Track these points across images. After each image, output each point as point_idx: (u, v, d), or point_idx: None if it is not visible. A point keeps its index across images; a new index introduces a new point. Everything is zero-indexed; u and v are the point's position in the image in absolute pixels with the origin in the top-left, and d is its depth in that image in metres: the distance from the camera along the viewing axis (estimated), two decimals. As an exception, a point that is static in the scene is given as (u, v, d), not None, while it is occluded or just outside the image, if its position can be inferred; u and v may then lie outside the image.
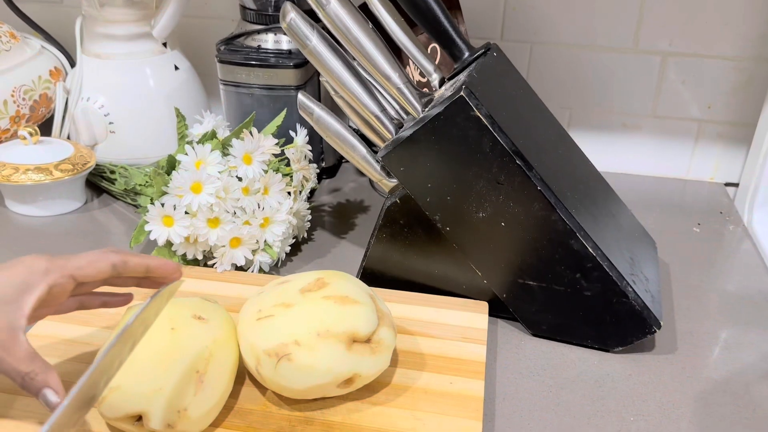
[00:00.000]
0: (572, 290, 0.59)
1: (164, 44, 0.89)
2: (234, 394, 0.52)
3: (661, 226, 0.82)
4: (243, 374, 0.54)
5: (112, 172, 0.86)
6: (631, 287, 0.57)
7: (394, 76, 0.57)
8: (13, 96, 0.84)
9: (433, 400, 0.52)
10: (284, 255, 0.71)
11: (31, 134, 0.80)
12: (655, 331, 0.58)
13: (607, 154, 0.96)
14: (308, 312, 0.48)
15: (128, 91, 0.87)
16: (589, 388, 0.57)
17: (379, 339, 0.50)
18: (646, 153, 0.95)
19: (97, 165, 0.87)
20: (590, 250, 0.57)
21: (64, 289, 0.45)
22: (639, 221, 0.74)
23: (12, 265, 0.45)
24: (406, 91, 0.58)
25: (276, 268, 0.71)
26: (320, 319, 0.48)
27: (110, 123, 0.87)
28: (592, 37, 0.90)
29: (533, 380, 0.57)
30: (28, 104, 0.86)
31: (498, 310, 0.64)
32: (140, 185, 0.78)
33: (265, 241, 0.69)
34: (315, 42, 0.57)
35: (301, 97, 0.61)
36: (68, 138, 0.90)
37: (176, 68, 0.90)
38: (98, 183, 0.87)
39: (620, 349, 0.60)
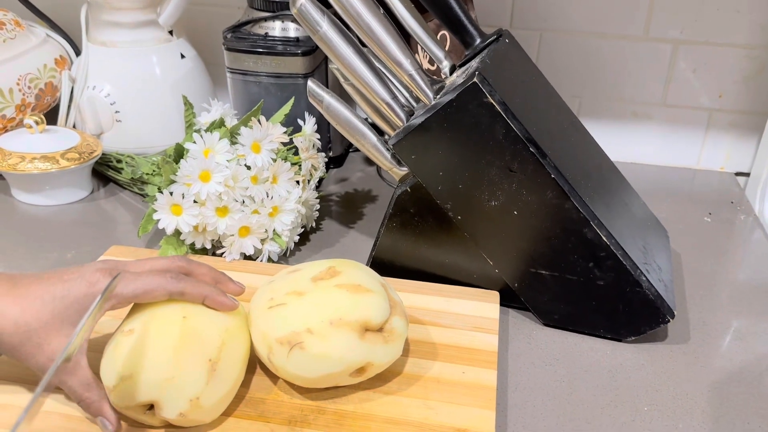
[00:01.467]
0: (585, 279, 0.58)
1: (170, 32, 0.88)
2: (245, 383, 0.52)
3: (672, 216, 0.81)
4: (254, 363, 0.54)
5: (119, 161, 0.85)
6: (644, 276, 0.57)
7: (406, 63, 0.57)
8: (18, 84, 0.84)
9: (445, 390, 0.52)
10: (293, 244, 0.71)
11: (37, 123, 0.79)
12: (668, 321, 0.58)
13: (617, 143, 0.95)
14: (321, 300, 0.48)
15: (134, 79, 0.87)
16: (602, 378, 0.56)
17: (391, 328, 0.49)
18: (656, 142, 0.94)
19: (103, 154, 0.86)
20: (604, 239, 0.56)
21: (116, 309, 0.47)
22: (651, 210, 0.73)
23: (72, 277, 0.45)
24: (417, 78, 0.57)
25: (284, 257, 0.71)
26: (333, 307, 0.47)
27: (116, 112, 0.86)
28: (603, 24, 0.89)
29: (545, 370, 0.57)
30: (34, 93, 0.86)
31: (509, 299, 0.63)
32: (147, 174, 0.77)
33: (274, 230, 0.68)
34: (325, 28, 0.56)
35: (311, 84, 0.61)
36: (74, 127, 0.89)
37: (182, 56, 0.90)
38: (105, 172, 0.87)
39: (633, 339, 0.60)
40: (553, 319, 0.62)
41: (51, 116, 0.90)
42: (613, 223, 0.58)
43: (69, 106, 0.88)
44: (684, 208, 0.84)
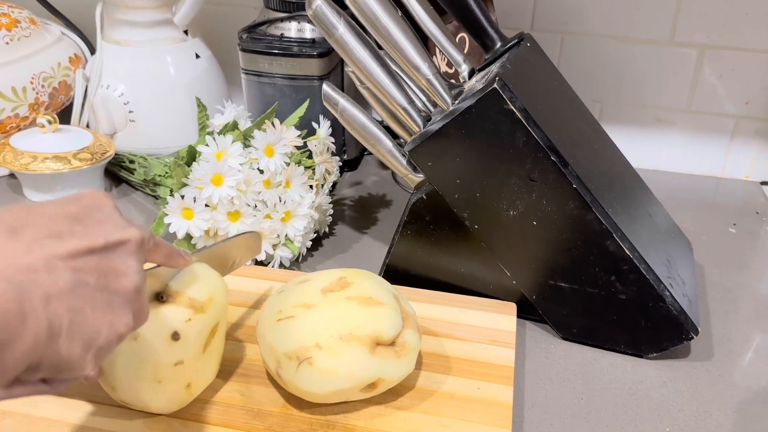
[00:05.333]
0: (606, 293, 0.56)
1: (185, 32, 0.87)
2: (253, 395, 0.50)
3: (695, 226, 0.78)
4: (263, 374, 0.52)
5: (132, 161, 0.85)
6: (668, 291, 0.55)
7: (424, 67, 0.55)
8: (32, 83, 0.83)
9: (459, 406, 0.50)
10: (305, 250, 0.69)
11: (49, 122, 0.79)
12: (692, 337, 0.56)
13: (639, 150, 0.92)
14: (330, 314, 0.46)
15: (148, 79, 0.86)
16: (621, 395, 0.54)
17: (403, 342, 0.48)
18: (679, 149, 0.92)
19: (116, 154, 0.85)
20: (627, 251, 0.54)
21: None
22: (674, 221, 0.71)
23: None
24: (435, 82, 0.55)
25: (297, 263, 0.70)
26: (343, 321, 0.46)
27: (130, 111, 0.85)
28: (626, 28, 0.86)
29: (563, 386, 0.55)
30: (47, 91, 0.85)
31: (526, 311, 0.61)
32: (160, 176, 0.76)
33: (286, 235, 0.67)
34: (342, 30, 0.54)
35: (326, 87, 0.59)
36: (87, 126, 0.89)
37: (197, 56, 0.89)
38: (117, 172, 0.86)
39: (654, 355, 0.58)
40: (572, 333, 0.60)
41: (65, 115, 0.89)
42: (636, 235, 0.56)
43: (83, 106, 0.88)
44: (707, 219, 0.81)
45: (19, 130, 0.83)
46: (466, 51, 0.78)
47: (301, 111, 0.74)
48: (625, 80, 0.89)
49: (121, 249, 0.34)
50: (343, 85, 0.84)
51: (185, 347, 0.44)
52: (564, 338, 0.60)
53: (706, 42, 0.85)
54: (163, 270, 0.45)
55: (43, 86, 0.84)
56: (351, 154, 0.88)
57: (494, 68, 0.57)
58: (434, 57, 0.79)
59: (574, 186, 0.53)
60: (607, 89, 0.90)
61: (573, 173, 0.53)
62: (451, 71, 0.80)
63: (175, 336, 0.44)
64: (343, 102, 0.59)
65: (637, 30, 0.86)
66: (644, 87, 0.89)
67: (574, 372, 0.57)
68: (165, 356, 0.44)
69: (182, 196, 0.63)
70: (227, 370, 0.53)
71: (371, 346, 0.46)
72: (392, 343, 0.48)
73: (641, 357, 0.58)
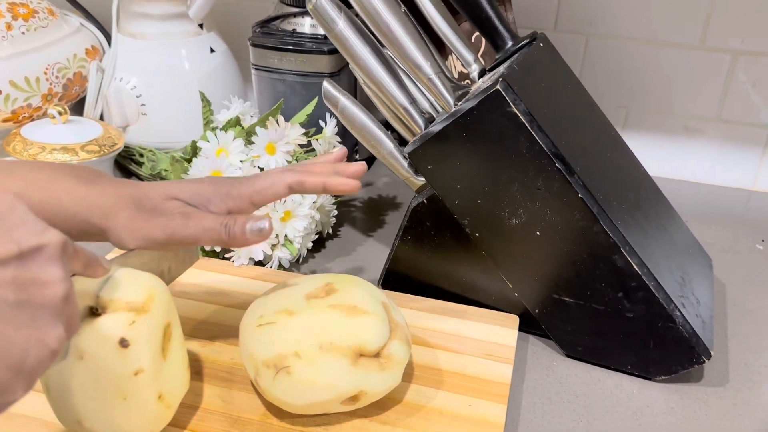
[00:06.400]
0: (613, 310, 0.53)
1: (200, 25, 0.86)
2: (234, 401, 0.49)
3: (720, 242, 0.74)
4: (246, 380, 0.50)
5: (141, 155, 0.84)
6: (679, 311, 0.51)
7: (425, 66, 0.52)
8: (46, 74, 0.83)
9: (447, 423, 0.47)
10: (305, 251, 0.68)
11: (60, 113, 0.78)
12: (703, 362, 0.52)
13: (665, 158, 0.88)
14: (312, 321, 0.44)
15: (161, 72, 0.85)
16: (625, 419, 0.51)
17: (389, 354, 0.45)
18: (708, 160, 0.87)
19: (127, 147, 0.85)
20: (635, 267, 0.51)
21: (241, 213, 0.46)
22: (694, 235, 0.67)
23: (203, 179, 0.47)
24: (437, 81, 0.53)
25: (296, 264, 0.68)
26: (324, 330, 0.44)
27: (142, 105, 0.85)
28: (655, 30, 0.82)
29: (563, 407, 0.52)
30: (62, 82, 0.85)
31: (529, 325, 0.58)
32: (165, 170, 0.75)
33: (285, 236, 0.65)
34: (342, 26, 0.52)
35: (327, 85, 0.57)
36: (101, 119, 0.88)
37: (212, 51, 0.87)
38: (128, 166, 0.85)
39: (663, 378, 0.54)
40: (576, 351, 0.56)
41: (80, 107, 0.89)
42: (647, 250, 0.53)
43: (97, 97, 0.87)
44: (734, 234, 0.77)
45: (32, 120, 0.83)
46: (482, 51, 0.75)
47: (309, 108, 0.72)
48: (652, 86, 0.85)
49: (39, 256, 0.30)
50: (356, 84, 0.82)
51: (139, 353, 0.41)
52: (568, 356, 0.57)
53: (740, 47, 0.80)
54: (88, 282, 0.42)
55: (57, 77, 0.84)
56: (363, 155, 0.86)
57: (501, 69, 0.54)
58: (450, 57, 0.76)
59: (580, 195, 0.50)
60: (633, 95, 0.86)
61: (579, 182, 0.50)
62: (467, 72, 0.77)
63: (123, 342, 0.40)
64: (344, 100, 0.57)
65: (666, 33, 0.82)
66: (672, 93, 0.85)
67: (575, 392, 0.54)
68: (120, 367, 0.40)
69: (179, 193, 0.62)
70: (210, 373, 0.51)
71: (353, 357, 0.44)
72: (377, 355, 0.45)
73: (649, 379, 0.55)
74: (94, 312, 0.41)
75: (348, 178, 0.49)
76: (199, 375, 0.51)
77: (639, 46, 0.84)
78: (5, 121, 0.81)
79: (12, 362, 0.29)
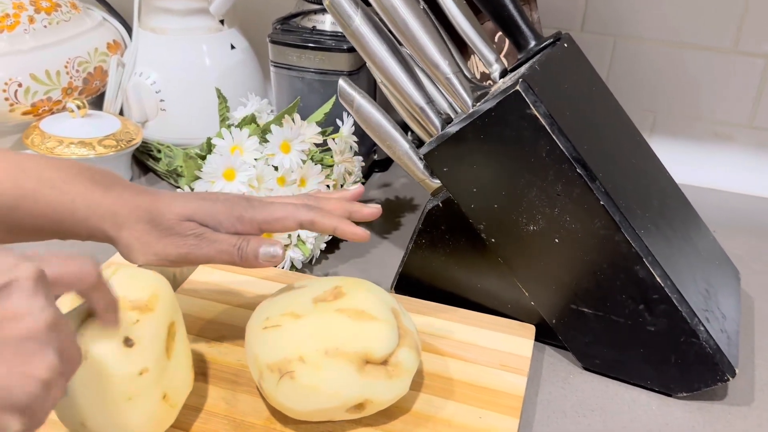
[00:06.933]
0: (633, 323, 0.51)
1: (221, 21, 0.86)
2: (239, 404, 0.48)
3: (749, 253, 0.71)
4: (252, 383, 0.49)
5: (159, 150, 0.83)
6: (702, 325, 0.49)
7: (443, 64, 0.51)
8: (66, 67, 0.83)
9: (456, 435, 0.46)
10: (318, 252, 0.66)
11: (78, 107, 0.78)
12: (727, 379, 0.50)
13: (693, 165, 0.85)
14: (318, 326, 0.43)
15: (181, 68, 0.84)
16: (643, 437, 0.49)
17: (397, 361, 0.44)
18: (738, 167, 0.84)
19: (145, 143, 0.84)
20: (658, 279, 0.49)
21: (249, 233, 0.47)
22: (721, 246, 0.64)
23: (217, 198, 0.48)
24: (455, 81, 0.51)
25: (309, 265, 0.66)
26: (330, 335, 0.42)
27: (161, 100, 0.84)
28: (685, 33, 0.80)
29: (578, 422, 0.50)
30: (82, 76, 0.85)
31: (546, 335, 0.56)
32: (181, 166, 0.74)
33: (298, 236, 0.64)
34: (358, 22, 0.51)
35: (342, 83, 0.56)
36: (121, 113, 0.88)
37: (232, 47, 0.87)
38: (145, 161, 0.85)
39: (685, 395, 0.52)
40: (594, 364, 0.54)
41: (101, 102, 0.89)
42: (671, 261, 0.51)
43: (117, 92, 0.87)
44: (764, 245, 0.74)
45: (51, 113, 0.83)
46: (505, 51, 0.74)
47: (326, 107, 0.71)
48: (682, 90, 0.83)
49: (11, 291, 0.29)
50: (375, 83, 0.80)
51: (144, 352, 0.40)
52: (585, 368, 0.55)
53: (775, 52, 0.77)
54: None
55: (77, 71, 0.84)
56: (382, 155, 0.85)
57: (523, 69, 0.53)
58: (472, 58, 0.75)
59: (602, 202, 0.48)
60: (661, 99, 0.84)
61: (601, 188, 0.48)
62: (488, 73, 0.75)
63: (128, 342, 0.40)
64: (360, 99, 0.55)
65: (697, 36, 0.79)
66: (702, 98, 0.82)
67: (591, 407, 0.52)
68: (125, 367, 0.39)
69: (192, 189, 0.61)
70: (216, 375, 0.50)
71: (359, 363, 0.42)
72: (384, 362, 0.44)
73: (669, 396, 0.53)
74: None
75: (362, 218, 0.51)
76: (205, 376, 0.50)
77: (668, 49, 0.81)
78: (25, 114, 0.81)
79: None
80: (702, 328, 0.49)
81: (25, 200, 0.44)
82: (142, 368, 0.40)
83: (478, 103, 0.51)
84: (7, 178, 0.43)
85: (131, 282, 0.42)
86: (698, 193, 0.73)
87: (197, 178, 0.63)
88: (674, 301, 0.49)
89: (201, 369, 0.51)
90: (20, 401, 0.29)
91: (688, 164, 0.85)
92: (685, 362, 0.50)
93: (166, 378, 0.42)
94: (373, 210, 0.52)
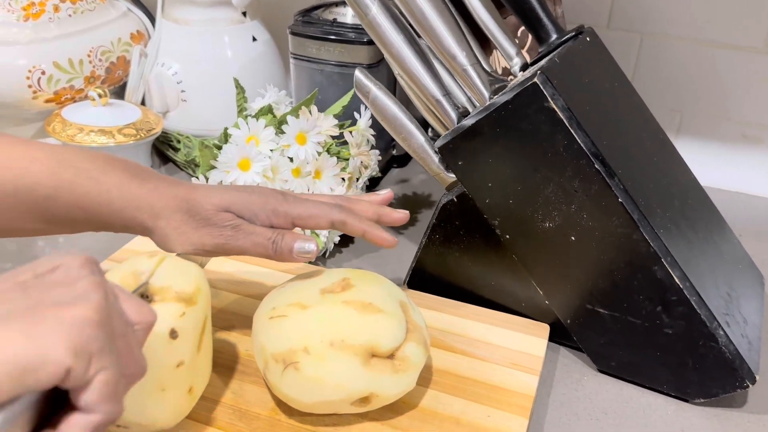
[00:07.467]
0: (650, 325, 0.50)
1: (243, 13, 0.86)
2: (245, 394, 0.47)
3: (776, 258, 0.69)
4: (259, 373, 0.49)
5: (179, 141, 0.84)
6: (722, 330, 0.47)
7: (460, 55, 0.50)
8: (89, 56, 0.83)
9: (463, 434, 0.45)
10: (332, 245, 0.66)
11: (100, 95, 0.79)
12: (747, 386, 0.48)
13: (720, 167, 0.83)
14: (324, 317, 0.42)
15: (203, 59, 0.84)
16: (657, 443, 0.48)
17: (404, 356, 0.43)
18: (766, 170, 0.82)
19: (166, 133, 0.85)
20: (676, 280, 0.47)
21: (281, 227, 0.48)
22: (746, 250, 0.62)
23: (253, 190, 0.49)
24: (472, 73, 0.50)
25: (323, 258, 0.66)
26: (336, 326, 0.42)
27: (182, 91, 0.84)
28: (716, 31, 0.77)
29: (590, 425, 0.49)
30: (104, 66, 0.85)
31: (560, 335, 0.55)
32: (198, 156, 0.74)
33: (312, 228, 0.63)
34: (375, 11, 0.50)
35: (359, 74, 0.55)
36: (143, 103, 0.89)
37: (254, 39, 0.87)
38: (165, 151, 0.85)
39: (702, 401, 0.50)
40: (609, 366, 0.53)
41: (123, 92, 0.89)
42: (691, 263, 0.49)
43: (139, 83, 0.88)
44: (792, 251, 0.71)
45: (74, 102, 0.84)
46: (527, 47, 0.72)
47: (345, 100, 0.70)
48: (710, 90, 0.80)
49: (55, 270, 0.30)
50: (395, 80, 0.79)
51: (184, 345, 0.41)
52: (600, 371, 0.54)
53: (809, 52, 0.75)
54: (138, 266, 0.41)
55: (100, 60, 0.85)
56: (400, 151, 0.84)
57: (544, 62, 0.51)
58: (494, 53, 0.74)
59: (620, 200, 0.47)
60: (689, 98, 0.82)
61: (620, 185, 0.47)
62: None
63: (173, 334, 0.40)
64: (375, 90, 0.55)
65: (727, 34, 0.77)
66: (731, 99, 0.80)
67: (605, 410, 0.50)
68: (167, 358, 0.40)
69: (207, 179, 0.61)
70: (224, 364, 0.50)
71: (365, 356, 0.42)
72: (391, 356, 0.43)
73: (686, 401, 0.51)
74: (144, 299, 0.41)
75: (392, 222, 0.52)
76: (213, 365, 0.50)
77: (697, 47, 0.79)
78: (48, 101, 0.82)
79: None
80: (721, 332, 0.47)
81: (62, 191, 0.44)
82: (179, 361, 0.40)
83: (496, 96, 0.50)
84: (44, 169, 0.44)
85: (178, 273, 0.42)
86: (723, 195, 0.71)
87: (212, 167, 0.63)
88: (693, 303, 0.47)
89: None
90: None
91: (714, 166, 0.83)
92: (703, 367, 0.49)
93: (194, 371, 0.42)
94: (402, 215, 0.52)
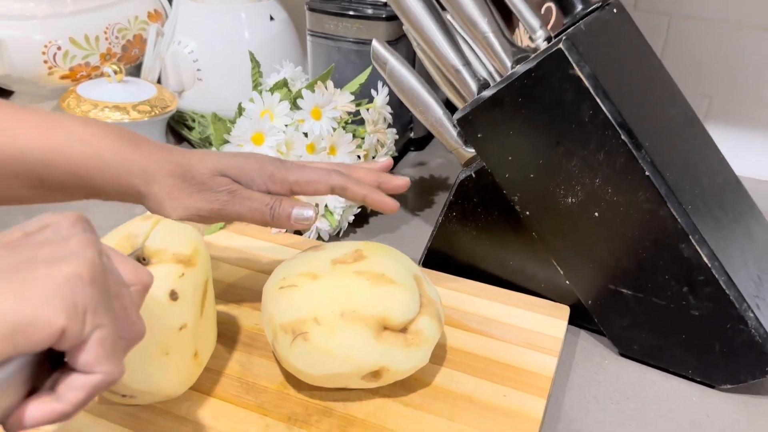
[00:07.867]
0: (676, 306, 0.47)
1: (261, -8, 0.84)
2: (253, 367, 0.46)
3: (807, 247, 0.66)
4: (268, 346, 0.48)
5: (194, 120, 0.83)
6: (752, 312, 0.45)
7: (482, 22, 0.48)
8: (105, 33, 0.83)
9: (478, 412, 0.43)
10: (346, 224, 0.64)
11: (115, 72, 0.78)
12: (778, 373, 0.46)
13: (750, 154, 0.80)
14: (335, 287, 0.41)
15: (219, 38, 0.83)
16: (681, 428, 0.45)
17: (417, 330, 0.41)
18: (799, 158, 0.79)
19: (181, 112, 0.84)
20: (705, 259, 0.45)
21: (279, 193, 0.47)
22: (778, 236, 0.60)
23: (249, 156, 0.48)
24: (494, 40, 0.48)
25: (336, 237, 0.64)
26: (347, 296, 0.40)
27: (198, 70, 0.83)
28: (746, 12, 0.75)
29: (612, 408, 0.47)
30: (121, 43, 0.84)
31: (581, 318, 0.53)
32: (212, 134, 0.73)
33: (326, 206, 0.62)
34: (395, -23, 0.48)
35: (376, 44, 0.53)
36: (158, 82, 0.88)
37: (271, 18, 0.85)
38: (180, 130, 0.84)
39: (729, 387, 0.48)
40: (631, 349, 0.51)
41: (139, 72, 0.88)
42: (720, 243, 0.47)
43: (155, 61, 0.87)
44: (824, 240, 0.69)
45: (89, 79, 0.83)
46: (551, 24, 0.70)
47: (362, 77, 0.69)
48: (741, 74, 0.78)
49: (45, 228, 0.29)
50: (415, 55, 0.78)
51: (185, 307, 0.40)
52: (622, 354, 0.52)
53: None
54: (133, 228, 0.40)
55: (117, 37, 0.84)
56: (418, 134, 0.82)
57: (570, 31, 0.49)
58: (517, 30, 0.72)
59: (647, 173, 0.45)
60: (719, 83, 0.79)
61: (647, 158, 0.45)
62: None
63: (173, 295, 0.39)
64: (393, 61, 0.53)
65: (759, 15, 0.74)
66: (763, 83, 0.77)
67: (626, 394, 0.48)
68: (168, 320, 0.39)
69: (220, 152, 0.60)
70: (232, 337, 0.49)
71: (377, 329, 0.40)
72: (404, 330, 0.41)
73: (712, 387, 0.49)
74: (140, 261, 0.40)
75: (392, 189, 0.51)
76: (221, 338, 0.48)
77: (728, 30, 0.76)
78: (63, 77, 0.81)
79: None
80: (751, 315, 0.45)
81: (56, 155, 0.43)
82: (182, 323, 0.39)
83: (518, 66, 0.48)
84: (38, 135, 0.43)
85: (174, 234, 0.41)
86: (753, 184, 0.68)
87: (226, 141, 0.61)
88: (722, 283, 0.45)
89: (218, 331, 0.49)
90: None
91: (744, 153, 0.80)
92: (730, 351, 0.46)
93: (198, 336, 0.41)
94: (402, 182, 0.51)
